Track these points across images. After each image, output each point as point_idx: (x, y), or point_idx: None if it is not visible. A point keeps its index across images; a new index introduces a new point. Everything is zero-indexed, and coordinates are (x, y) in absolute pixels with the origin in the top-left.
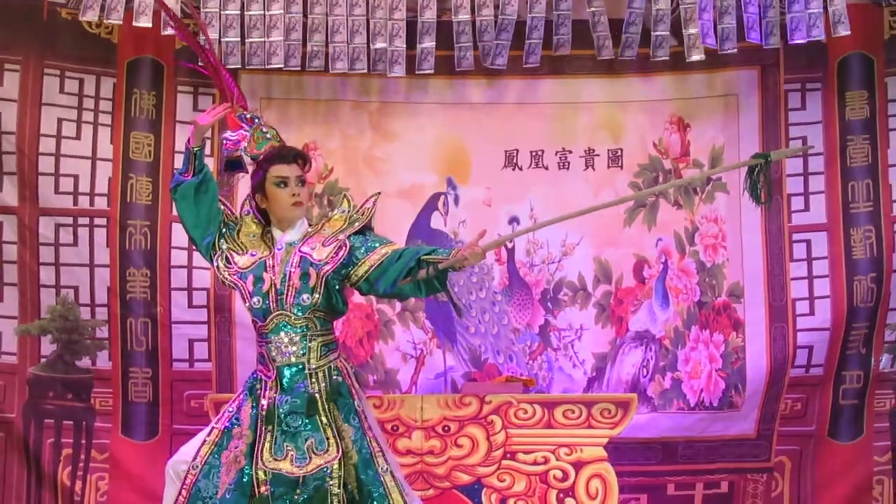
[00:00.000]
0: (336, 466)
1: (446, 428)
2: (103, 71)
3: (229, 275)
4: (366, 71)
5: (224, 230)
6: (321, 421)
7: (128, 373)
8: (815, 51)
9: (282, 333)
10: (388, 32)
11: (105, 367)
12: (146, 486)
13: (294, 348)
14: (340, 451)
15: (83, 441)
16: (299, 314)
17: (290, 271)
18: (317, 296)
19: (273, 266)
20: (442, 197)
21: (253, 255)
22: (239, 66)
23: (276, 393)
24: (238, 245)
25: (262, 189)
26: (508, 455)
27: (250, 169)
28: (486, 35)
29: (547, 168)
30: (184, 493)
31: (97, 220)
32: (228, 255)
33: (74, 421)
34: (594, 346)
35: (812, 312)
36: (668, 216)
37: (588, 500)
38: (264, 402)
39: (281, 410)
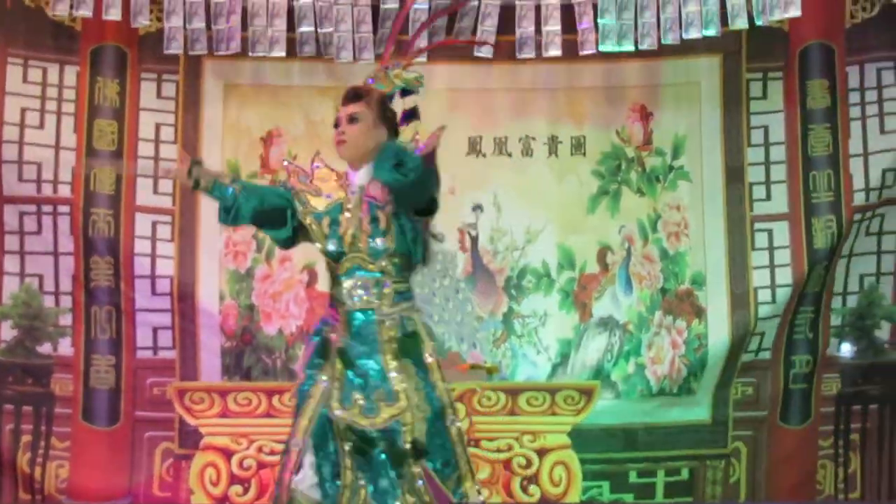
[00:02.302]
0: (408, 417)
1: None
2: (66, 59)
3: (305, 216)
4: (334, 57)
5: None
6: (390, 370)
7: (90, 359)
8: (776, 39)
9: (355, 277)
10: (353, 18)
11: (67, 354)
12: (107, 473)
13: (366, 294)
14: (411, 402)
15: (43, 427)
16: (374, 259)
17: (361, 216)
18: (389, 238)
19: (349, 208)
20: None
21: (329, 198)
22: (204, 52)
23: (347, 337)
24: (313, 188)
25: None
26: (472, 442)
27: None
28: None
29: (510, 155)
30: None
31: (61, 208)
32: (304, 196)
33: (34, 406)
34: (558, 332)
35: (773, 301)
36: (631, 204)
37: (552, 488)
38: (334, 345)
39: (351, 354)
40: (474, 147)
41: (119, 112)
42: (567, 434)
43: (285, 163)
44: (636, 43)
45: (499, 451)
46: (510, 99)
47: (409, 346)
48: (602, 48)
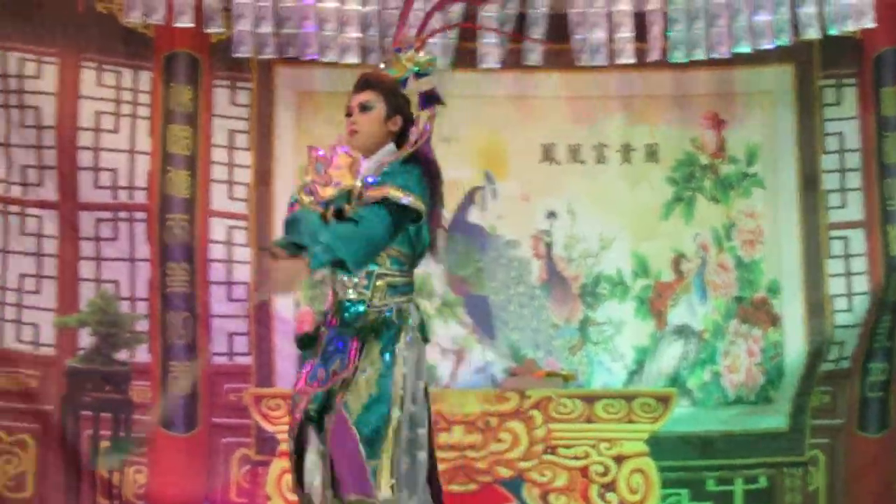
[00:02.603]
0: (339, 384)
1: (487, 423)
2: (140, 64)
3: (311, 205)
4: None
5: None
6: (353, 344)
7: (167, 366)
8: (849, 47)
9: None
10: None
11: (144, 361)
12: (184, 479)
13: (359, 284)
14: (355, 373)
15: (121, 433)
16: None
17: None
18: None
19: (353, 199)
20: (480, 191)
21: (337, 185)
22: (273, 57)
23: (335, 326)
24: (325, 178)
25: None
26: (549, 450)
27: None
28: (532, 31)
29: (584, 162)
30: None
31: (137, 215)
32: (312, 187)
33: (112, 413)
34: (634, 340)
35: (850, 309)
36: (705, 211)
37: (630, 495)
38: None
39: (326, 339)
40: (548, 154)
41: (192, 118)
42: (644, 441)
43: (309, 148)
44: (707, 52)
45: (576, 458)
46: (584, 106)
47: (381, 330)
48: (672, 59)
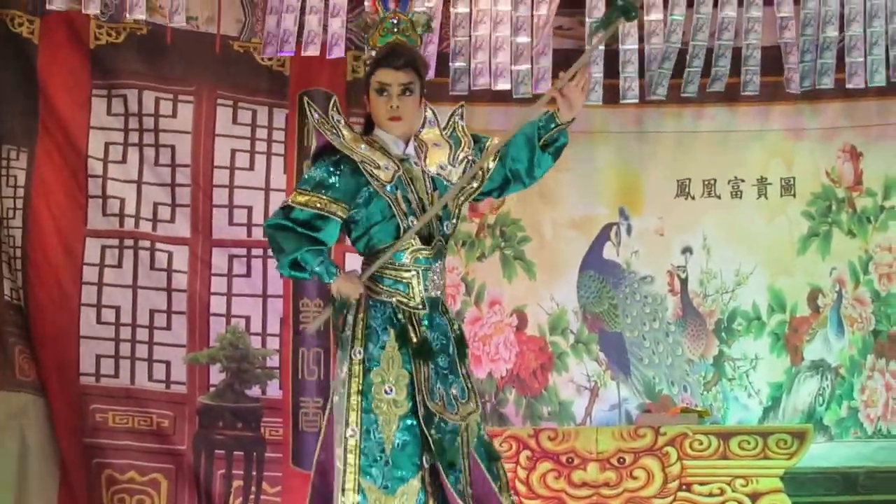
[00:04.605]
0: (478, 420)
1: (621, 460)
2: (275, 102)
3: (379, 189)
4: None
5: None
6: (460, 367)
7: (298, 402)
8: None
9: (439, 261)
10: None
11: (275, 397)
12: None
13: (439, 280)
14: (479, 405)
15: (254, 472)
16: (445, 242)
17: (430, 193)
18: (455, 222)
19: (410, 182)
20: (614, 227)
21: (387, 169)
22: None
23: (427, 328)
24: (372, 160)
25: (366, 91)
26: (684, 487)
27: None
28: (652, 64)
29: (720, 197)
30: (350, 468)
31: (271, 252)
32: (370, 168)
33: (245, 451)
34: (769, 376)
35: None
36: (841, 245)
37: None
38: (414, 336)
39: (434, 346)
40: (683, 189)
41: None
42: (779, 478)
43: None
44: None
45: (711, 495)
46: (718, 141)
47: (463, 343)
48: (801, 88)
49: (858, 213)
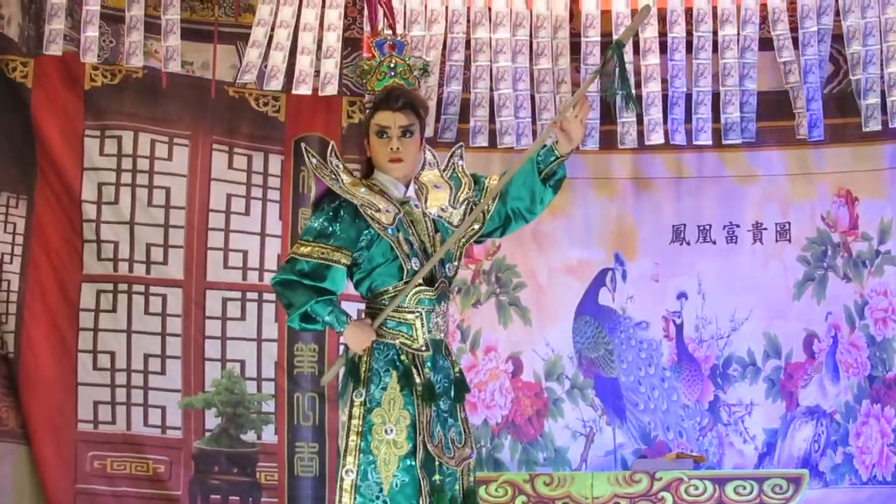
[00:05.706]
0: (473, 464)
1: None
2: (271, 148)
3: (380, 231)
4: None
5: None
6: (459, 411)
7: (294, 447)
8: None
9: (443, 303)
10: (556, 108)
11: (270, 442)
12: None
13: (443, 323)
14: (474, 451)
15: None
16: (448, 284)
17: (431, 235)
18: (457, 264)
19: (411, 224)
20: (610, 273)
21: (388, 212)
22: None
23: (430, 370)
24: (372, 204)
25: (366, 135)
26: None
27: None
28: (651, 110)
29: (715, 242)
30: None
31: (266, 296)
32: (370, 212)
33: (240, 497)
34: (765, 422)
35: None
36: (837, 290)
37: None
38: (417, 378)
39: (438, 389)
40: (678, 235)
41: None
42: None
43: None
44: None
45: None
46: (714, 186)
47: (464, 387)
48: (811, 138)
49: (854, 257)
